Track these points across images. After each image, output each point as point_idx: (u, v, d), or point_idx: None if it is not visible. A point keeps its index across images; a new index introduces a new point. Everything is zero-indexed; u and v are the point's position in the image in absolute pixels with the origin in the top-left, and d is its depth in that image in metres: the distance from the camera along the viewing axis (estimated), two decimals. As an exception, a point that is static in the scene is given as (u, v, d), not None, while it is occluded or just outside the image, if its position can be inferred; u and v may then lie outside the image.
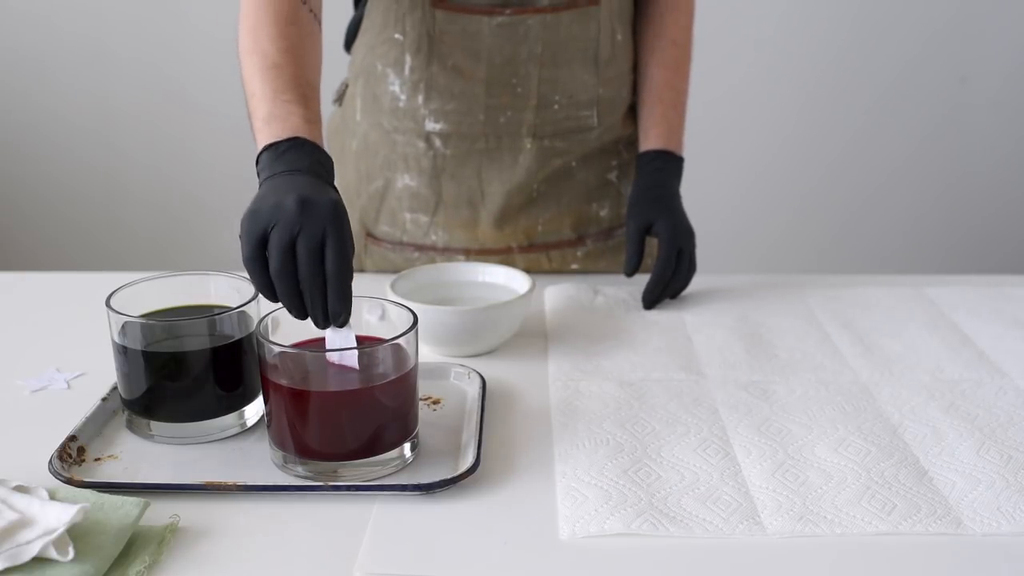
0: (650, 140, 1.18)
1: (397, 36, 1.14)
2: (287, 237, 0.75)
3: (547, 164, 1.19)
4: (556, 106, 1.16)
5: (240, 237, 0.77)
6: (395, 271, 1.21)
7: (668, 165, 1.16)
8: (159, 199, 2.62)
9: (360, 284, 1.18)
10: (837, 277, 1.22)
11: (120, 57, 2.48)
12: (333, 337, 0.76)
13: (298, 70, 0.92)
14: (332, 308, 0.75)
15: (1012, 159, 2.63)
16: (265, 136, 0.86)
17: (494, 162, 1.17)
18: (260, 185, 0.83)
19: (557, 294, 1.13)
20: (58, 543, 0.62)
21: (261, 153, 0.85)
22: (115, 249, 2.62)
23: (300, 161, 0.82)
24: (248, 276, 0.78)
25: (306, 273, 0.75)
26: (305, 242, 0.75)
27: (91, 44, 2.47)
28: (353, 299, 0.76)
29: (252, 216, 0.77)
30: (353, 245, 0.78)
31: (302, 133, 0.85)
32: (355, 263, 1.25)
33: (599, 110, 1.18)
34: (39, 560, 0.62)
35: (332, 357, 0.76)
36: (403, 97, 1.16)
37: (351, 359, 0.76)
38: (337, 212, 0.77)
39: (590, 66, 1.15)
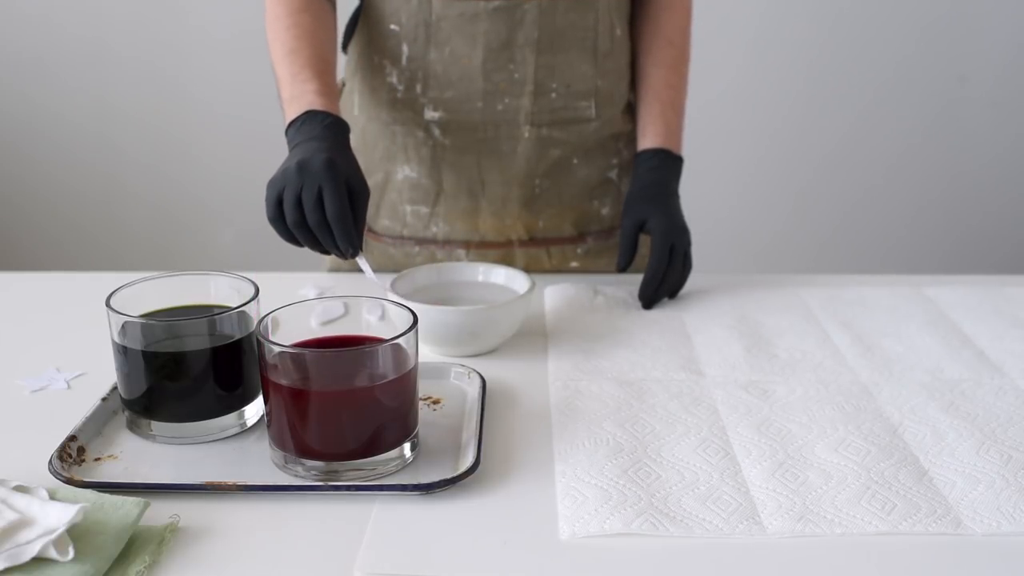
0: (647, 139, 1.18)
1: (394, 27, 1.15)
2: (292, 196, 0.92)
3: (546, 155, 1.19)
4: (554, 94, 1.16)
5: (266, 203, 0.95)
6: (396, 268, 1.21)
7: (665, 164, 1.17)
8: (159, 199, 2.62)
9: (360, 284, 1.19)
10: (837, 277, 1.22)
11: (120, 57, 2.48)
12: (362, 265, 0.95)
13: (312, 51, 1.08)
14: (341, 246, 0.93)
15: (1011, 158, 2.63)
16: (288, 115, 1.04)
17: (493, 151, 1.18)
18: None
19: (557, 294, 1.13)
20: (58, 543, 0.62)
21: (287, 132, 1.03)
22: (115, 249, 2.62)
23: (312, 130, 1.00)
24: (276, 232, 0.95)
25: (313, 221, 0.92)
26: (307, 197, 0.92)
27: (91, 44, 2.47)
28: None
29: (269, 185, 0.95)
30: (364, 189, 0.95)
31: (315, 106, 1.02)
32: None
33: (597, 102, 1.19)
34: (39, 560, 0.62)
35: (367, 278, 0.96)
36: (401, 87, 1.17)
37: (370, 279, 0.95)
38: (329, 166, 0.93)
39: (588, 56, 1.16)
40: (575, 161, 1.21)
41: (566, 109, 1.18)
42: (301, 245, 0.95)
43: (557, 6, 1.12)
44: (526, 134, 1.17)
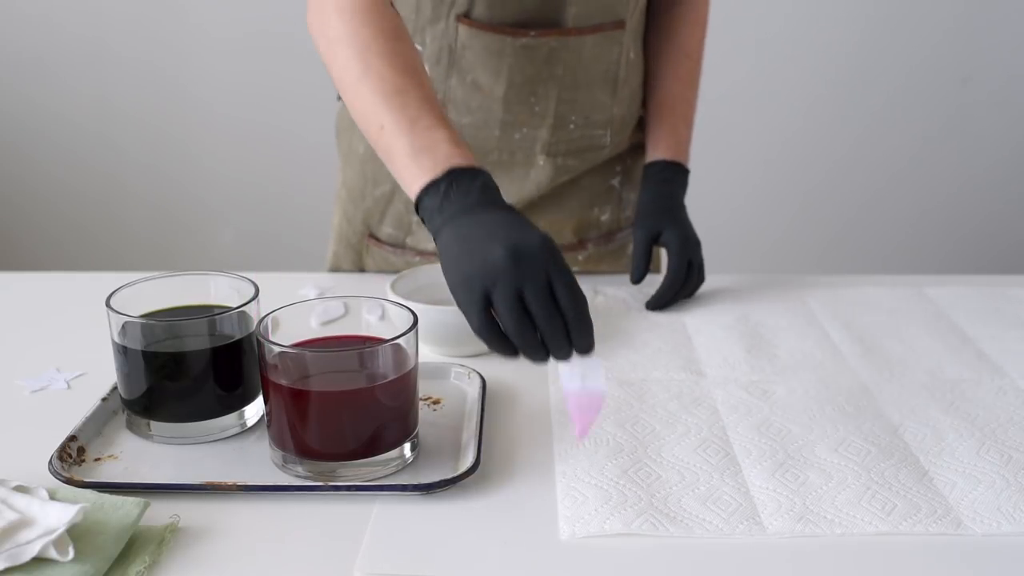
0: (659, 151, 1.18)
1: (417, 47, 1.12)
2: (512, 294, 0.73)
3: (557, 180, 1.18)
4: (572, 126, 1.15)
5: (460, 307, 0.76)
6: (395, 272, 1.20)
7: (676, 176, 1.16)
8: (159, 199, 2.62)
9: (360, 284, 1.19)
10: (837, 277, 1.22)
11: (120, 57, 2.48)
12: (569, 369, 0.75)
13: (423, 90, 0.87)
14: (579, 344, 0.74)
15: (1013, 160, 2.63)
16: (417, 174, 0.82)
17: (505, 175, 1.16)
18: (437, 233, 0.79)
19: (557, 294, 1.13)
20: (58, 543, 0.62)
21: (421, 196, 0.81)
22: (115, 249, 2.62)
23: (469, 195, 0.79)
24: (484, 342, 0.76)
25: (544, 321, 0.73)
26: (534, 294, 0.73)
27: (91, 44, 2.47)
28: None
29: (466, 284, 0.75)
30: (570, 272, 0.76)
31: (456, 161, 0.81)
32: (356, 263, 1.27)
33: (612, 129, 1.18)
34: (39, 560, 0.62)
35: (570, 389, 0.75)
36: None
37: (595, 388, 0.75)
38: (551, 247, 0.75)
39: (608, 87, 1.15)
40: (579, 174, 1.21)
41: (582, 139, 1.17)
42: (515, 355, 0.76)
43: (585, 42, 1.10)
44: (541, 162, 1.16)
